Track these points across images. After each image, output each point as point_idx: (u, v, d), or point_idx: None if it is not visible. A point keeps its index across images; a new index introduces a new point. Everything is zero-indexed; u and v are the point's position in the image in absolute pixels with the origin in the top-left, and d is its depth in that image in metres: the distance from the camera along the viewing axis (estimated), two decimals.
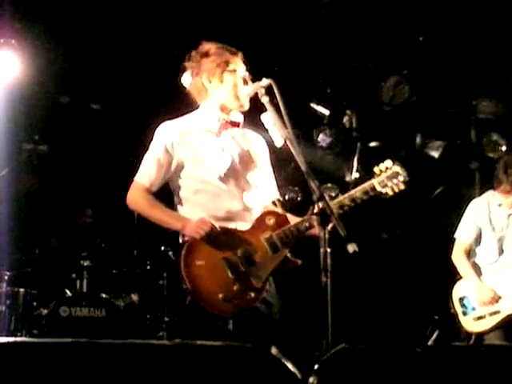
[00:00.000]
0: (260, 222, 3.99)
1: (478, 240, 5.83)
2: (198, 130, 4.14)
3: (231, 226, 3.99)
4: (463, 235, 5.87)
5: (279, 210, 4.17)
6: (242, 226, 4.02)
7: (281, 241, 3.92)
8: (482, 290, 5.66)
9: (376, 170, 3.99)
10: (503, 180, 5.70)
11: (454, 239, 5.92)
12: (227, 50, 4.15)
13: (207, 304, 3.85)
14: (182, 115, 4.23)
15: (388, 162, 3.99)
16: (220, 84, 4.12)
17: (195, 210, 4.04)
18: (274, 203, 4.30)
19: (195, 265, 3.90)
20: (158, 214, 4.09)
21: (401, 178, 3.98)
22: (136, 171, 4.18)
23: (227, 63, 4.10)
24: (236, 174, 4.10)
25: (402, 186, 3.99)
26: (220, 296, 3.83)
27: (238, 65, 4.12)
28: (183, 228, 3.97)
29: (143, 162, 4.16)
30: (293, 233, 3.93)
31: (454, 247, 5.92)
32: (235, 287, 3.85)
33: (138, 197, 4.12)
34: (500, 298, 5.62)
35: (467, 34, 7.20)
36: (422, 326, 7.69)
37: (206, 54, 4.14)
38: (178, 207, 4.14)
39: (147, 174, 4.11)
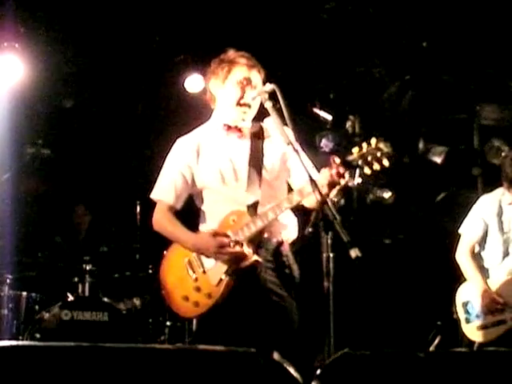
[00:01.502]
0: (224, 223, 4.01)
1: (483, 239, 5.49)
2: (208, 139, 4.15)
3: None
4: (469, 231, 5.50)
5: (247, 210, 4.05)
6: None
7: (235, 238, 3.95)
8: (487, 296, 5.28)
9: (354, 149, 3.72)
10: None
11: (459, 235, 5.57)
12: (245, 59, 4.11)
13: (169, 301, 4.10)
14: (189, 124, 4.27)
15: (372, 140, 3.72)
16: (222, 89, 4.12)
17: (210, 221, 4.11)
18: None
19: (168, 265, 4.16)
20: (174, 232, 4.13)
21: (385, 150, 3.66)
22: (151, 187, 4.22)
23: (231, 70, 4.08)
24: (243, 180, 4.08)
25: (386, 162, 3.66)
26: (180, 295, 4.01)
27: (253, 75, 4.07)
28: (194, 246, 4.03)
29: (163, 178, 4.20)
30: (249, 229, 3.91)
31: (459, 244, 5.55)
32: (192, 285, 3.98)
33: (161, 217, 4.18)
34: (506, 305, 5.24)
35: (470, 40, 7.20)
36: (425, 332, 7.67)
37: (221, 61, 4.15)
38: (201, 221, 4.20)
39: (170, 190, 4.15)
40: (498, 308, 5.25)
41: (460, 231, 5.59)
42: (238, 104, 4.06)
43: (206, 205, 4.14)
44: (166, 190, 4.17)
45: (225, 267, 3.92)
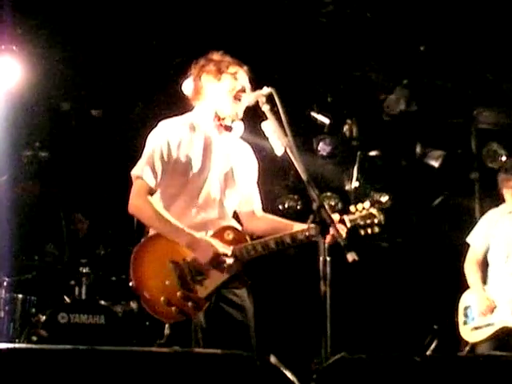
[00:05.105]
0: (218, 235, 3.93)
1: (488, 249, 5.80)
2: (192, 130, 4.07)
3: (202, 234, 3.91)
4: (475, 243, 5.87)
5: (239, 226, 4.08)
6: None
7: (234, 257, 3.86)
8: (481, 300, 5.65)
9: (352, 208, 3.91)
10: None
11: (468, 245, 5.92)
12: (233, 59, 4.12)
13: (148, 304, 3.91)
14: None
15: (366, 203, 3.90)
16: (217, 84, 4.08)
17: (173, 214, 3.95)
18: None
19: (144, 263, 3.94)
20: (163, 224, 3.90)
21: (375, 221, 3.88)
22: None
23: (228, 67, 4.08)
24: (219, 180, 4.05)
25: (376, 230, 3.89)
26: (162, 299, 3.84)
27: (240, 74, 4.08)
28: (189, 246, 3.87)
29: (145, 158, 3.97)
30: (248, 252, 3.87)
31: (467, 254, 5.91)
32: (178, 293, 3.84)
33: (143, 202, 3.91)
34: (496, 309, 5.60)
35: (467, 44, 7.21)
36: (421, 336, 7.68)
37: (210, 60, 4.13)
38: (167, 202, 4.02)
39: (152, 172, 3.93)
40: (488, 311, 5.62)
41: (467, 241, 5.93)
42: (235, 97, 4.02)
43: (186, 193, 3.99)
44: (151, 169, 3.93)
45: (218, 283, 3.87)
